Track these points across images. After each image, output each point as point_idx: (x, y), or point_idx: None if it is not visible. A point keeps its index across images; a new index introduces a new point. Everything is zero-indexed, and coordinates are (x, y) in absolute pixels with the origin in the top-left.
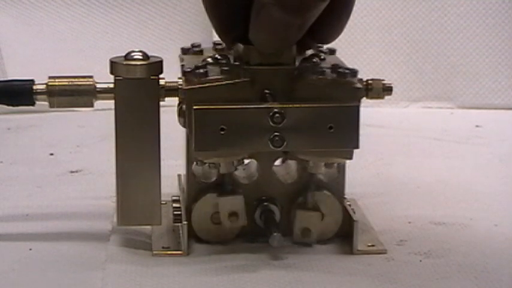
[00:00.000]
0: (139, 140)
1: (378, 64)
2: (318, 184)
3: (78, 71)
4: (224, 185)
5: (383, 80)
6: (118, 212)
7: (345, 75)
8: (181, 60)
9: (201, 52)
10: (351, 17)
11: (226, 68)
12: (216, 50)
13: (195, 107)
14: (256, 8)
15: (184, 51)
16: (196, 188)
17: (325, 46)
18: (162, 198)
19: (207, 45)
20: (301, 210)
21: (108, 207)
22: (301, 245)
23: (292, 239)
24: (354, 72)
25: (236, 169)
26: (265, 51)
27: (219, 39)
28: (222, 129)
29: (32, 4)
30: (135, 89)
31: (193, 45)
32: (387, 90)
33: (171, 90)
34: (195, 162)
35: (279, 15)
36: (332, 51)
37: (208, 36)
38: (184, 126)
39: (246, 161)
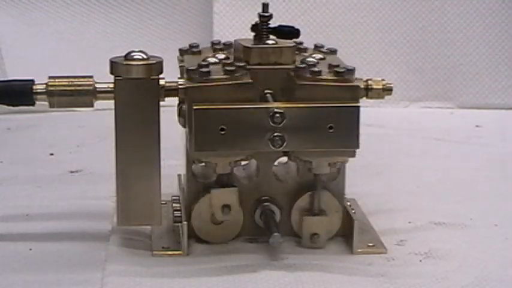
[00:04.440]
0: (139, 140)
1: (377, 64)
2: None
3: (78, 71)
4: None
5: (383, 80)
6: (118, 212)
7: (342, 74)
8: (181, 61)
9: (199, 52)
10: (351, 17)
11: (230, 69)
12: (214, 50)
13: (195, 107)
14: None
15: (182, 52)
16: (196, 188)
17: (326, 46)
18: (162, 198)
19: (205, 45)
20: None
21: (108, 207)
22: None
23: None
24: (351, 70)
25: (232, 169)
26: None
27: (217, 39)
28: (222, 129)
29: (32, 4)
30: (135, 89)
31: (191, 46)
32: (387, 90)
33: (171, 90)
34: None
35: None
36: (333, 51)
37: (208, 36)
38: (184, 126)
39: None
